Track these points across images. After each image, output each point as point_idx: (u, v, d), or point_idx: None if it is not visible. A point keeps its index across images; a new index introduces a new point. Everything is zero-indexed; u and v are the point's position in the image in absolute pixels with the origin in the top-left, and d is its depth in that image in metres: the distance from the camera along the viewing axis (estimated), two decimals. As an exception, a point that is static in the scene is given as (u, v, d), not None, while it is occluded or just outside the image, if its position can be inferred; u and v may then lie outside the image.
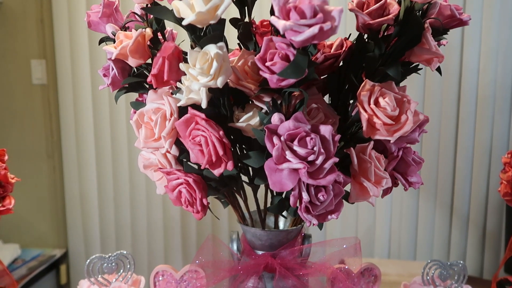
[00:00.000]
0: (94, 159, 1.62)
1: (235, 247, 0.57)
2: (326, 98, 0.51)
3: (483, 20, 1.46)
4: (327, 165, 0.39)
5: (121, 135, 1.60)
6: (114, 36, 0.47)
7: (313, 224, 0.43)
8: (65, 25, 1.57)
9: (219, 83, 0.37)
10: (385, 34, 0.44)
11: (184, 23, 0.37)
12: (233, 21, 0.47)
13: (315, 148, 0.39)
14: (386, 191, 0.51)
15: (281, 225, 0.59)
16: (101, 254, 0.61)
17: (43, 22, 1.60)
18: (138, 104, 0.49)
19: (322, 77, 0.48)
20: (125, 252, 0.62)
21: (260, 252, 0.55)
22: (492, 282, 0.67)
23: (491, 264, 1.54)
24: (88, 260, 0.60)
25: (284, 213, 0.57)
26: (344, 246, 0.56)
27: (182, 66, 0.39)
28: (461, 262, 0.63)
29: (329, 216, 0.44)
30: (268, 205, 0.53)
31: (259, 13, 1.31)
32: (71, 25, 1.57)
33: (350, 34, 0.47)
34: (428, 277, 0.63)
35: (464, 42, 1.48)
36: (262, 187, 0.52)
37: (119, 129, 1.60)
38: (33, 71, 1.63)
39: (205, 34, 0.41)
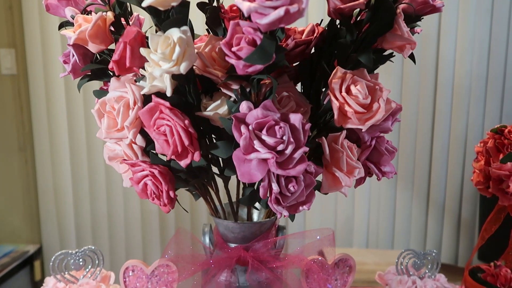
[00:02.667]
0: (68, 151, 1.57)
1: (207, 240, 0.56)
2: (299, 86, 0.49)
3: (459, 11, 1.47)
4: (297, 155, 0.38)
5: (95, 126, 1.56)
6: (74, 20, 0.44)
7: (284, 216, 0.42)
8: (35, 12, 1.51)
9: (182, 69, 0.35)
10: (358, 19, 0.43)
11: (143, 5, 0.35)
12: (201, 5, 0.45)
13: (284, 137, 0.38)
14: (359, 181, 0.50)
15: (255, 217, 0.58)
16: (68, 250, 0.59)
17: (11, 9, 1.54)
18: (101, 93, 0.47)
19: (293, 65, 0.47)
20: (93, 247, 0.59)
21: (233, 245, 0.53)
22: (465, 270, 0.68)
23: (466, 252, 1.58)
24: (54, 257, 0.57)
25: (257, 205, 0.56)
26: (318, 237, 0.55)
27: (142, 51, 0.36)
28: (435, 251, 0.63)
29: (300, 207, 0.43)
30: (240, 196, 0.51)
31: None
32: (41, 12, 1.50)
33: (322, 20, 0.46)
34: (402, 267, 0.63)
35: (441, 32, 1.49)
36: (234, 178, 0.51)
37: (93, 119, 1.56)
38: (2, 61, 1.57)
39: (168, 17, 0.39)
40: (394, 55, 0.46)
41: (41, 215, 1.65)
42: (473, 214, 1.57)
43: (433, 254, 0.63)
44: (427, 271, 0.64)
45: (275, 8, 0.31)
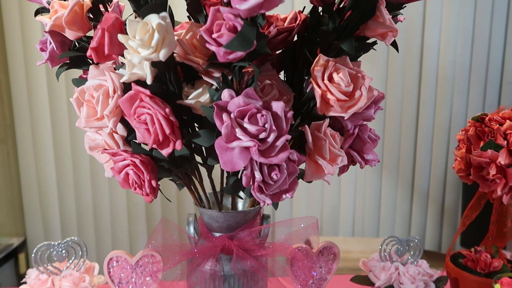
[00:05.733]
0: (51, 142, 1.54)
1: (192, 229, 0.56)
2: (282, 74, 0.49)
3: (443, 1, 1.48)
4: (279, 142, 0.38)
5: (76, 112, 1.53)
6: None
7: (267, 204, 0.42)
8: (14, -1, 1.47)
9: (162, 56, 0.35)
10: (340, 7, 0.42)
11: (121, -11, 0.34)
12: (181, -9, 0.44)
13: (266, 125, 0.37)
14: (343, 169, 0.50)
15: (240, 206, 0.58)
16: (50, 241, 0.58)
17: (-11, -4, 1.49)
18: (80, 81, 0.46)
19: (276, 52, 0.47)
20: (76, 238, 0.59)
21: (217, 234, 0.53)
22: (446, 256, 0.69)
23: (449, 238, 1.61)
24: (36, 249, 0.56)
25: (241, 194, 0.56)
26: (302, 225, 0.56)
27: (120, 37, 0.36)
28: (417, 238, 0.64)
29: (283, 196, 0.43)
30: (224, 185, 0.51)
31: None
32: (20, -1, 1.47)
33: (304, 7, 0.45)
34: (385, 253, 0.64)
35: (425, 22, 1.50)
36: (218, 167, 0.51)
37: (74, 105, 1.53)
38: (-19, 50, 1.52)
39: (147, 2, 0.38)
40: (377, 43, 0.46)
41: (24, 207, 1.62)
42: (456, 201, 1.60)
43: (416, 240, 0.64)
44: (409, 257, 0.65)
45: (255, -7, 0.30)
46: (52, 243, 0.58)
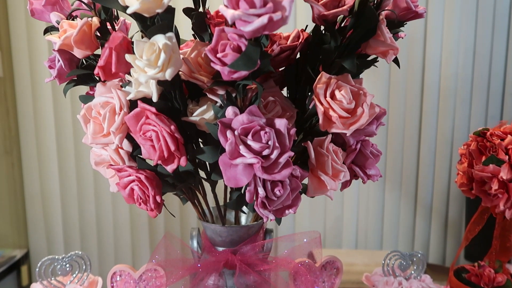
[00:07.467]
0: (55, 154, 1.55)
1: (195, 244, 0.56)
2: (285, 91, 0.50)
3: (444, 15, 1.50)
4: (282, 159, 0.38)
5: (83, 129, 1.55)
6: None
7: (271, 220, 0.43)
8: (21, 13, 1.49)
9: (168, 75, 0.36)
10: (342, 26, 0.43)
11: (128, 11, 0.35)
12: (187, 11, 0.45)
13: (269, 142, 0.38)
14: (345, 184, 0.51)
15: (243, 220, 0.58)
16: (54, 255, 0.58)
17: (-3, 11, 1.52)
18: (87, 98, 0.47)
19: (279, 70, 0.47)
20: (80, 252, 0.59)
21: (221, 249, 0.54)
22: (450, 271, 0.69)
23: (453, 252, 1.60)
24: (40, 263, 0.57)
25: (244, 208, 0.56)
26: (305, 240, 0.56)
27: (128, 57, 0.36)
28: (420, 252, 0.64)
29: (286, 211, 0.43)
30: (228, 200, 0.52)
31: (214, 3, 1.28)
32: (28, 14, 1.49)
33: (307, 26, 0.46)
34: (388, 268, 0.64)
35: (427, 35, 1.51)
36: (221, 182, 0.51)
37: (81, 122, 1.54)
38: (-12, 63, 1.54)
39: (154, 23, 0.39)
40: (378, 61, 0.47)
41: (28, 219, 1.63)
42: (460, 214, 1.59)
43: (419, 255, 0.64)
44: (413, 272, 0.64)
45: (258, 16, 0.31)
46: (56, 257, 0.58)
